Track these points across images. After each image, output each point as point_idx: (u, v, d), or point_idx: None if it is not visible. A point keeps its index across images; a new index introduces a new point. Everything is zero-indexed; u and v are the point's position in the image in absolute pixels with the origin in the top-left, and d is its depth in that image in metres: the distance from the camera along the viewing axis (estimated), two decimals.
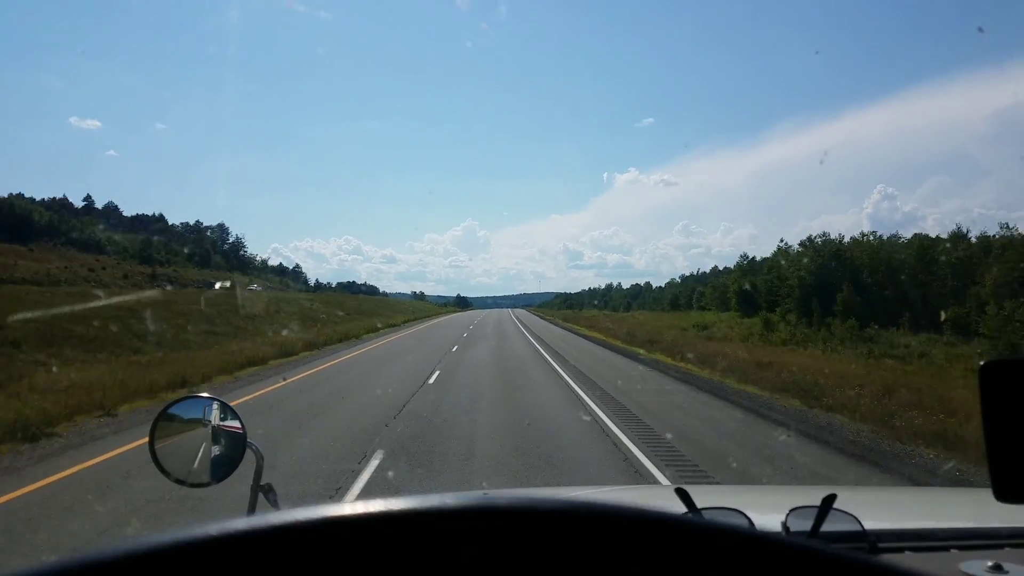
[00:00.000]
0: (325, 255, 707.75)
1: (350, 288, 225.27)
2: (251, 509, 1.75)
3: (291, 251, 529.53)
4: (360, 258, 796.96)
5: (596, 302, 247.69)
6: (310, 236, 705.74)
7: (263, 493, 1.71)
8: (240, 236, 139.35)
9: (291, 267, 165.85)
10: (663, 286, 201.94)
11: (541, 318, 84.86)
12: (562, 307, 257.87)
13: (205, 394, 1.92)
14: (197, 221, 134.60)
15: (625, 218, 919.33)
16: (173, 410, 1.82)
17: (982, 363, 0.99)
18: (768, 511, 1.35)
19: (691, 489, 1.44)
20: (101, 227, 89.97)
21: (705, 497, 1.41)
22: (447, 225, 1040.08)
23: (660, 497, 2.01)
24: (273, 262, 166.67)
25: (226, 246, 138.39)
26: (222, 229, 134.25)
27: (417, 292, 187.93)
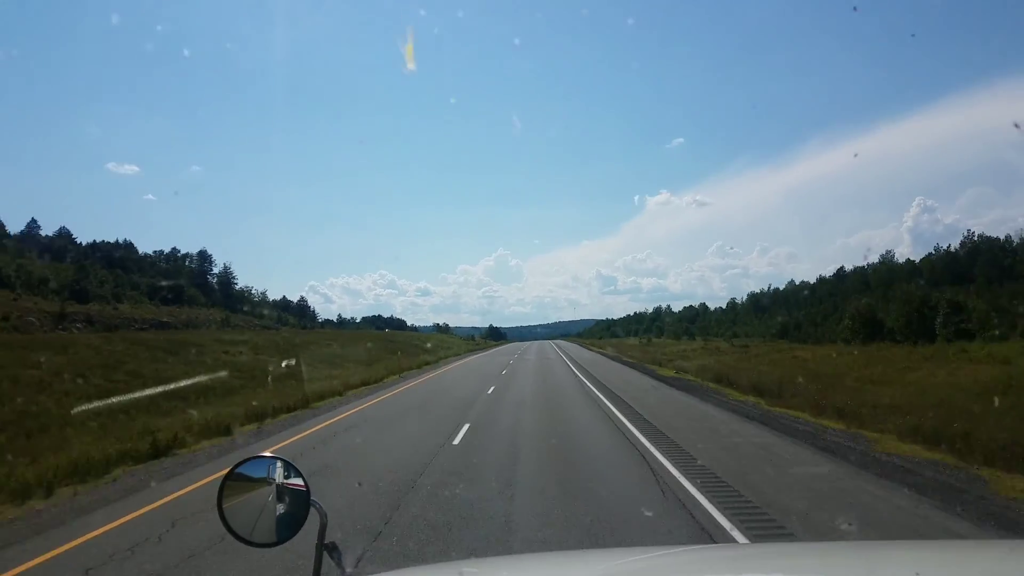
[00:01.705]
0: (360, 291, 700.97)
1: (375, 323, 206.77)
2: (316, 568, 1.79)
3: (328, 288, 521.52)
4: (395, 292, 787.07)
5: (636, 328, 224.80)
6: (345, 273, 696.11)
7: (328, 552, 1.75)
8: (228, 266, 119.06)
9: (296, 302, 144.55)
10: (723, 307, 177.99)
11: (607, 357, 61.82)
12: (604, 335, 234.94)
13: (269, 453, 1.94)
14: (174, 248, 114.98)
15: (658, 241, 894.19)
16: (240, 470, 1.86)
17: None
18: None
19: (732, 551, 1.69)
20: (28, 256, 69.72)
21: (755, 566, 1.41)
22: (479, 255, 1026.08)
23: (699, 567, 1.81)
24: (292, 297, 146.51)
25: (214, 278, 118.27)
26: (204, 258, 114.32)
27: (441, 324, 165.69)
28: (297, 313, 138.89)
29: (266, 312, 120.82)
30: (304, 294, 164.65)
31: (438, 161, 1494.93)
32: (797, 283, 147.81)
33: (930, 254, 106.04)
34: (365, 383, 27.57)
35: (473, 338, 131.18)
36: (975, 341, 34.34)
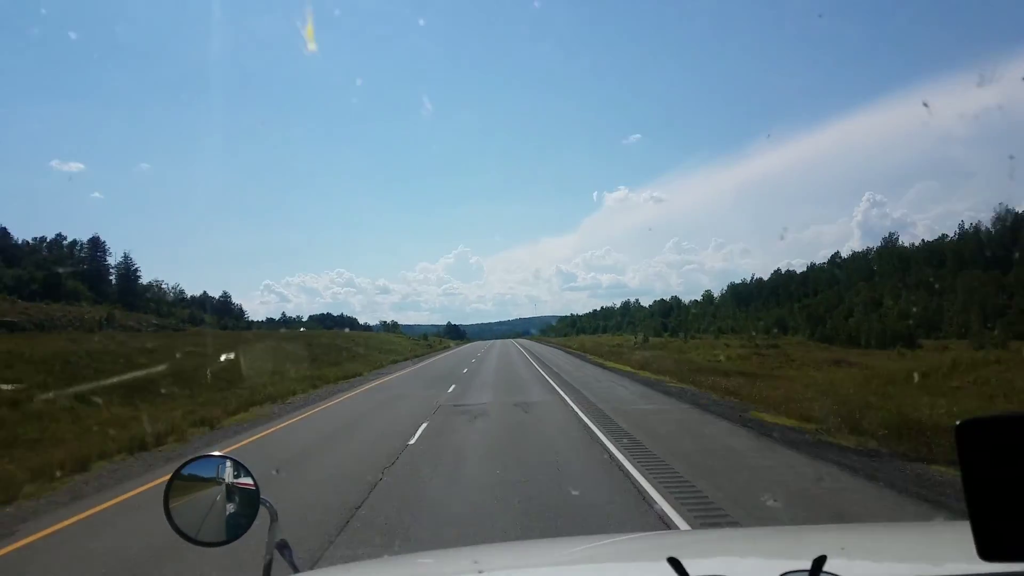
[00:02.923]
0: (318, 289, 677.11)
1: (325, 321, 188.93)
2: (267, 566, 1.77)
3: (283, 287, 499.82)
4: (353, 290, 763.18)
5: (604, 325, 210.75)
6: (302, 271, 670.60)
7: (279, 550, 1.74)
8: (128, 255, 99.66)
9: (218, 298, 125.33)
10: (698, 300, 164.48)
11: (643, 384, 43.40)
12: (569, 332, 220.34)
13: (217, 453, 1.93)
14: (58, 235, 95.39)
15: (617, 237, 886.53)
16: (187, 470, 1.83)
17: (958, 423, 0.98)
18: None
19: (685, 539, 1.85)
20: None
21: (697, 551, 1.61)
22: (439, 253, 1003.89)
23: (649, 553, 1.96)
24: (266, 301, 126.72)
25: (110, 270, 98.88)
26: (96, 247, 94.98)
27: (389, 322, 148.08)
28: (219, 311, 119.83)
29: (174, 310, 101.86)
30: (227, 290, 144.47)
31: (397, 159, 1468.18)
32: (782, 272, 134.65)
33: (943, 237, 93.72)
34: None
35: (425, 337, 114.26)
36: None
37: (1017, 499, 0.95)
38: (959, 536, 1.51)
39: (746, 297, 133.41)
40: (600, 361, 33.92)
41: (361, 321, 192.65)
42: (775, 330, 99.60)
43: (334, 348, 55.55)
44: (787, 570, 1.27)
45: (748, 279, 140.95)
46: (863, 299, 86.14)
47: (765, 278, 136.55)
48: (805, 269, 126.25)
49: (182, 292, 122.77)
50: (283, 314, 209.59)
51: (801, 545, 1.69)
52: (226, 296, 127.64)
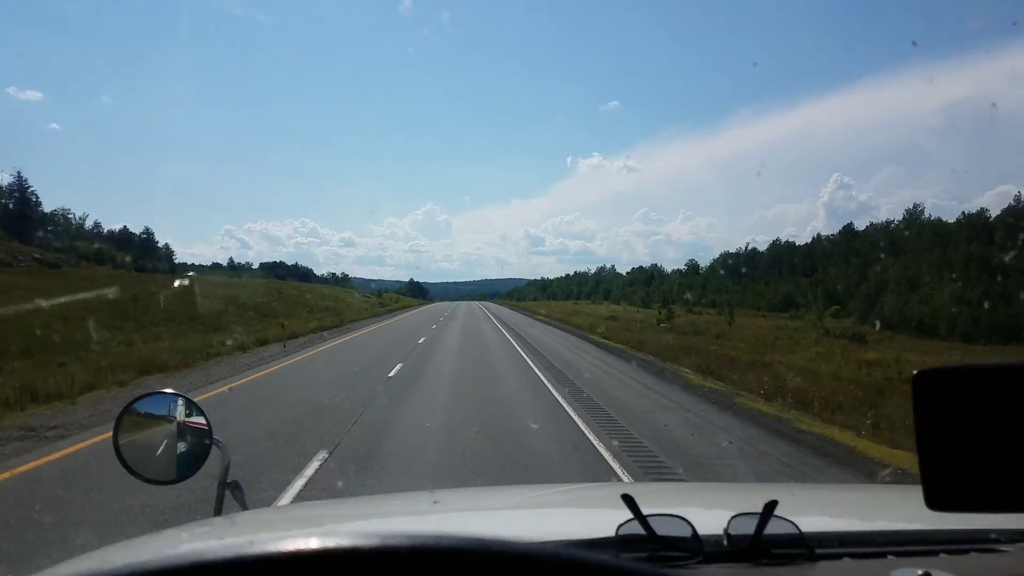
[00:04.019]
0: (281, 237, 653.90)
1: (275, 270, 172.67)
2: (218, 506, 1.77)
3: (245, 233, 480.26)
4: (317, 241, 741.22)
5: (577, 291, 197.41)
6: (264, 218, 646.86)
7: (230, 491, 1.73)
8: (23, 178, 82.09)
9: (140, 234, 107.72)
10: (683, 270, 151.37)
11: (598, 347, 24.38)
12: (539, 296, 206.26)
13: (170, 390, 1.86)
14: None
15: (587, 204, 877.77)
16: (137, 406, 1.79)
17: (916, 372, 0.98)
18: (712, 517, 1.39)
19: (642, 488, 1.74)
20: None
21: (653, 499, 1.61)
22: (408, 208, 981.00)
23: (608, 498, 1.98)
24: (208, 251, 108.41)
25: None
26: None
27: (340, 275, 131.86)
28: (141, 250, 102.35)
29: (77, 244, 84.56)
30: (150, 226, 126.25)
31: (370, 110, 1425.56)
32: (780, 242, 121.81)
33: (983, 212, 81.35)
34: None
35: (379, 294, 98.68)
36: None
37: (967, 451, 0.95)
38: (907, 495, 1.65)
39: (739, 268, 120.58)
40: (590, 334, 21.38)
41: (320, 273, 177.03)
42: (774, 305, 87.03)
43: (246, 304, 40.32)
44: (740, 511, 1.30)
45: (742, 248, 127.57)
46: (894, 276, 73.87)
47: (762, 248, 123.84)
48: (810, 240, 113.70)
49: (97, 225, 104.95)
50: (230, 259, 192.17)
51: (754, 495, 1.71)
52: (148, 233, 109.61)
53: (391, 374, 14.64)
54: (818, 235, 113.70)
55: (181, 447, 1.76)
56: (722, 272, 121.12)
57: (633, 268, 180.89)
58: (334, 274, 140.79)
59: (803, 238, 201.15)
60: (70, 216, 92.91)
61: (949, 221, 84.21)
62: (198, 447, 1.77)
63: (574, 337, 25.06)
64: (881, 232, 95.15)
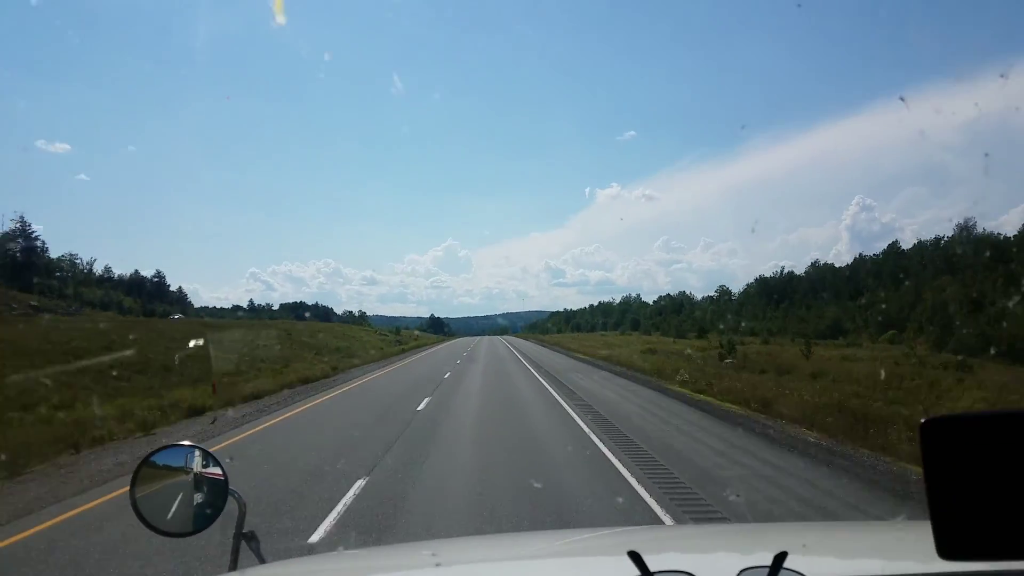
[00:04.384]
0: (304, 278, 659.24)
1: (296, 311, 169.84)
2: (233, 558, 1.74)
3: (269, 275, 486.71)
4: (340, 280, 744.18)
5: (603, 322, 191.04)
6: (288, 260, 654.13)
7: (246, 541, 1.71)
8: (26, 224, 79.27)
9: (151, 277, 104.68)
10: (714, 296, 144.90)
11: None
12: (564, 328, 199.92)
13: (187, 442, 1.85)
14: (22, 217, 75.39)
15: (606, 234, 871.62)
16: (155, 458, 1.79)
17: (923, 420, 0.98)
18: (720, 572, 1.34)
19: (646, 536, 1.64)
20: None
21: (659, 549, 1.55)
22: (428, 245, 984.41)
23: (611, 550, 1.95)
24: (244, 289, 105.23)
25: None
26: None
27: (356, 313, 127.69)
28: (152, 295, 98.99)
29: (83, 290, 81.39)
30: (161, 269, 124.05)
31: (387, 149, 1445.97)
32: (820, 264, 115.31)
33: None
34: None
35: (397, 331, 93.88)
36: None
37: (978, 499, 0.95)
38: (921, 536, 1.49)
39: (777, 293, 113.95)
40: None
41: (340, 311, 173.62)
42: (821, 331, 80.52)
43: (237, 349, 35.58)
44: (748, 565, 1.28)
45: (778, 272, 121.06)
46: (954, 296, 67.56)
47: (799, 272, 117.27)
48: (852, 261, 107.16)
49: (108, 270, 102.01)
50: (250, 302, 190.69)
51: (763, 542, 1.66)
52: (160, 276, 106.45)
53: (346, 500, 8.03)
54: (860, 255, 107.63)
55: (198, 498, 1.74)
56: (757, 298, 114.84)
57: (660, 297, 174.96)
58: (350, 312, 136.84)
59: (830, 261, 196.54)
60: (77, 261, 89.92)
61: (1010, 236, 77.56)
62: (215, 498, 1.74)
63: (648, 391, 17.65)
64: (930, 250, 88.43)
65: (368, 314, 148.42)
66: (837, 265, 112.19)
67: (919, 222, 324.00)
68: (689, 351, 38.11)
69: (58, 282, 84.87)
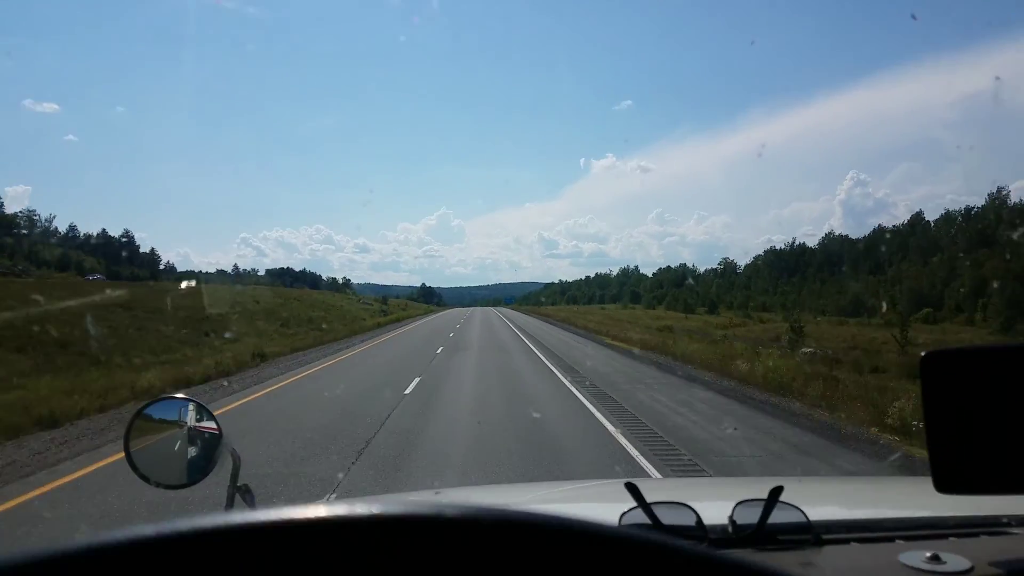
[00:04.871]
0: (296, 245, 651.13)
1: (283, 277, 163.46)
2: (228, 508, 1.71)
3: (260, 241, 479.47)
4: (332, 247, 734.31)
5: (600, 295, 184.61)
6: (280, 226, 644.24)
7: (240, 494, 1.68)
8: None
9: (119, 237, 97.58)
10: (718, 269, 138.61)
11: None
12: (558, 300, 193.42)
13: (181, 395, 1.83)
14: None
15: (600, 206, 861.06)
16: (149, 411, 1.75)
17: (923, 354, 0.97)
18: (717, 506, 1.36)
19: (644, 483, 1.55)
20: None
21: (656, 492, 1.54)
22: (421, 214, 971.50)
23: (612, 491, 1.92)
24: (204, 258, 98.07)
25: None
26: None
27: (340, 280, 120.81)
28: (120, 256, 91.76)
29: (38, 249, 74.35)
30: (131, 229, 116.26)
31: (381, 115, 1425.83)
32: (834, 235, 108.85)
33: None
34: None
35: (384, 300, 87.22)
36: None
37: (976, 432, 0.95)
38: (918, 484, 1.57)
39: (788, 266, 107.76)
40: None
41: (332, 278, 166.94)
42: (841, 307, 74.59)
43: (195, 319, 28.88)
44: (744, 498, 1.30)
45: (789, 244, 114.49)
46: (992, 271, 61.57)
47: (812, 244, 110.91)
48: (869, 233, 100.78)
49: (73, 229, 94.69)
50: (235, 266, 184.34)
51: (761, 485, 1.65)
52: (129, 236, 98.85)
53: None
54: (879, 227, 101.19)
55: (192, 452, 1.72)
56: (767, 270, 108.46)
57: (659, 269, 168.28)
58: (332, 279, 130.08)
59: (819, 235, 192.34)
60: (36, 219, 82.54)
61: None
62: (209, 451, 1.71)
63: (724, 399, 11.87)
64: (959, 222, 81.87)
65: (360, 282, 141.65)
66: (853, 237, 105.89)
67: (912, 198, 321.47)
68: (724, 333, 31.68)
69: (14, 240, 77.65)
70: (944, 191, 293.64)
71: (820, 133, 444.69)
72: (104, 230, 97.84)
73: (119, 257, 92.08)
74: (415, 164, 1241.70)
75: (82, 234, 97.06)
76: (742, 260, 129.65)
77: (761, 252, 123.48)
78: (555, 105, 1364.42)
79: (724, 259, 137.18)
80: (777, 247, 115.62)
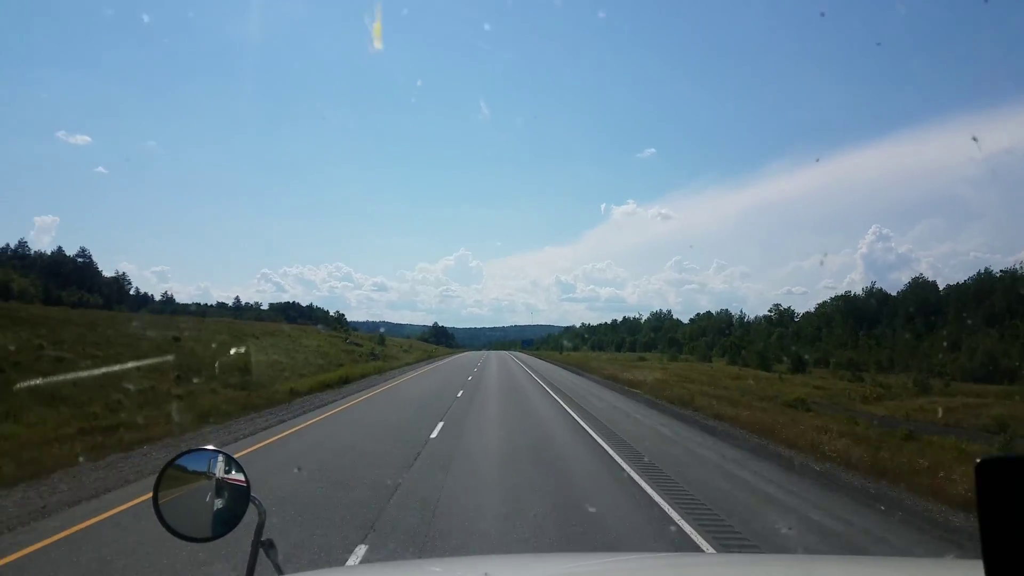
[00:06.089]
0: (315, 281, 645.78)
1: (286, 311, 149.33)
2: (251, 564, 1.71)
3: (280, 276, 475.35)
4: (351, 285, 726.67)
5: (627, 340, 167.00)
6: (300, 263, 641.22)
7: (264, 549, 1.68)
8: None
9: (75, 256, 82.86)
10: (770, 315, 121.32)
11: None
12: (581, 346, 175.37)
13: (211, 447, 1.82)
14: None
15: (619, 251, 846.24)
16: (179, 462, 1.76)
17: (978, 460, 0.95)
18: None
19: (690, 561, 1.62)
20: None
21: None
22: (440, 254, 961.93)
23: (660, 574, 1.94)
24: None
25: None
26: None
27: (334, 313, 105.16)
28: (68, 279, 76.81)
29: None
30: (167, 267, 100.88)
31: (403, 155, 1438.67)
32: (919, 281, 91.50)
33: None
34: None
35: (381, 341, 71.15)
36: None
37: None
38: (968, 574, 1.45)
39: (867, 315, 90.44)
40: None
41: (351, 317, 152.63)
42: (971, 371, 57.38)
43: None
44: None
45: (869, 288, 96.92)
46: None
47: (891, 291, 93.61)
48: (970, 279, 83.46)
49: (22, 245, 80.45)
50: (236, 299, 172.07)
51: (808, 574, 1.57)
52: (85, 255, 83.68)
53: None
54: (985, 269, 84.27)
55: (219, 504, 1.71)
56: (840, 320, 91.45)
57: (698, 314, 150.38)
58: (326, 312, 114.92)
59: (840, 289, 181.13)
60: None
61: None
62: (236, 504, 1.71)
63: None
64: None
65: (375, 320, 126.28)
66: (937, 282, 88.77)
67: (934, 255, 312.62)
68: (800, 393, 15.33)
69: None
70: (966, 248, 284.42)
71: (841, 187, 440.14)
72: (60, 248, 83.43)
73: (69, 279, 77.17)
74: (435, 205, 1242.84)
75: (33, 251, 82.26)
76: (759, 310, 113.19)
77: (828, 298, 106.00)
78: (577, 150, 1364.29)
79: (775, 306, 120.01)
80: (853, 292, 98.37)
